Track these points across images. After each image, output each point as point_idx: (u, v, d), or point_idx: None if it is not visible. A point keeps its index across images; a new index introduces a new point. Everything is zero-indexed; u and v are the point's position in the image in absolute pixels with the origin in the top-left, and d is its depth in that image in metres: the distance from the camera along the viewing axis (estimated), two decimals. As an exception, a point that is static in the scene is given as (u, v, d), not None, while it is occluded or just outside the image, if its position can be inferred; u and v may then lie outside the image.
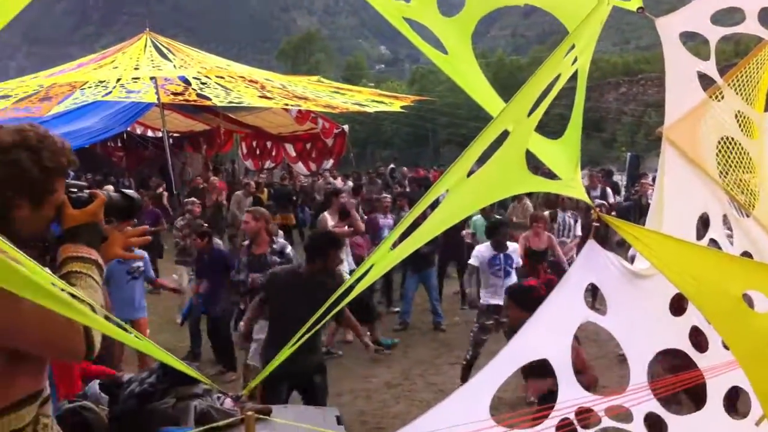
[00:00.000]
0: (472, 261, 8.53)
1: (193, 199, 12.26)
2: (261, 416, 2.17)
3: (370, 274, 2.12)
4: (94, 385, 3.65)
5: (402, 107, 20.99)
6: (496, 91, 3.27)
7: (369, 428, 7.12)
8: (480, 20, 3.22)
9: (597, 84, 51.38)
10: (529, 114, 2.40)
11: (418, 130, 42.90)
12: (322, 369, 5.82)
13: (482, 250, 8.47)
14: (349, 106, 19.09)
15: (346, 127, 23.14)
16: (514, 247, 8.57)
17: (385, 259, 2.09)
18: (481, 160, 2.37)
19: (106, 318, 1.89)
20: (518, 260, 8.50)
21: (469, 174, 2.35)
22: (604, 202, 13.09)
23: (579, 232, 11.09)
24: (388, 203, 12.16)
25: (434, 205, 2.46)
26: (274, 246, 7.64)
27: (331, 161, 23.49)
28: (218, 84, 17.26)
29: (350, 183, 19.36)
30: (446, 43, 3.10)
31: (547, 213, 10.68)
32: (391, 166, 28.84)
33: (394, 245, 2.23)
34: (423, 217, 2.51)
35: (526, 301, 5.19)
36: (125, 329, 1.97)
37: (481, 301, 8.28)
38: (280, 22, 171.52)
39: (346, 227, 10.35)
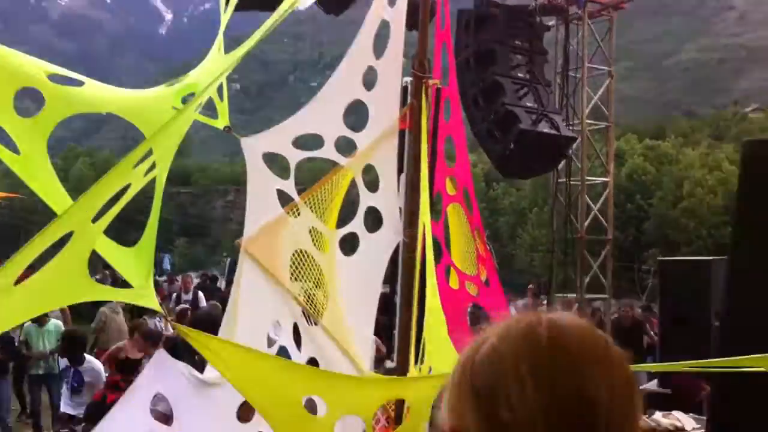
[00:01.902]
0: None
1: None
2: None
3: None
4: None
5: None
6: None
7: None
8: (90, 119, 3.06)
9: (205, 191, 52.61)
10: (95, 220, 2.25)
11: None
12: None
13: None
14: None
15: None
16: (93, 365, 7.96)
17: None
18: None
19: None
20: (99, 376, 7.79)
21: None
22: (186, 306, 13.48)
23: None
24: None
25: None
26: None
27: None
28: None
29: None
30: (20, 143, 2.86)
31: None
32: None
33: None
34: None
35: None
36: None
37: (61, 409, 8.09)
38: None
39: None
